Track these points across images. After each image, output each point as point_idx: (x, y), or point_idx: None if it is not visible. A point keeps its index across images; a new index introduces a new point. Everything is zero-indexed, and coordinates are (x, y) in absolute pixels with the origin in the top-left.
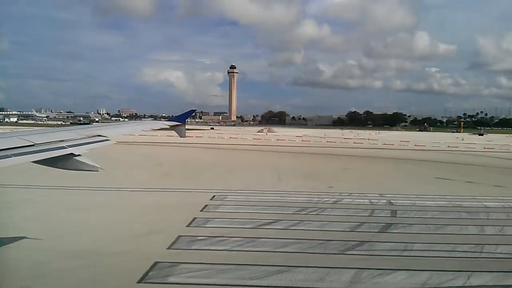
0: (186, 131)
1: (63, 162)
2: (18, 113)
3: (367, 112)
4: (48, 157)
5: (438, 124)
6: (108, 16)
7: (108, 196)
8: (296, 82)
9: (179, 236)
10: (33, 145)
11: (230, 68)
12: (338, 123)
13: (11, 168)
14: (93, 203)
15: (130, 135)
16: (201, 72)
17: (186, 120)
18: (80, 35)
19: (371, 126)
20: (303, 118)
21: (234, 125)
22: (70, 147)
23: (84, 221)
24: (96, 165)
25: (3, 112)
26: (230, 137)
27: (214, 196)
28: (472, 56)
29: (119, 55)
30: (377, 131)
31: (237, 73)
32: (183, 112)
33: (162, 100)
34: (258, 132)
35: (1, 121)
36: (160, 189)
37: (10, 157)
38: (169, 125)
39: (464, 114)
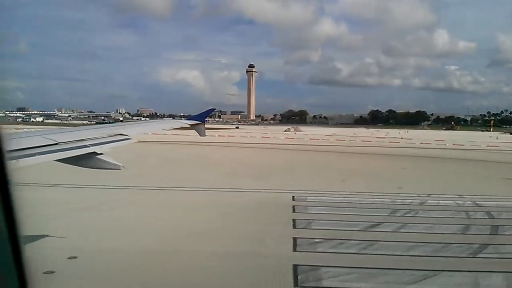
0: (211, 130)
1: (86, 160)
2: (40, 112)
3: (390, 111)
4: (71, 155)
5: (462, 122)
6: (125, 16)
7: (196, 195)
8: (312, 81)
9: (295, 238)
10: (56, 144)
11: (249, 67)
12: (360, 121)
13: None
14: (193, 203)
15: (152, 134)
16: (218, 71)
17: (206, 119)
18: (97, 35)
19: (393, 124)
20: (324, 117)
21: (257, 124)
22: (92, 145)
23: (195, 221)
24: (118, 163)
25: (25, 112)
26: (262, 136)
27: (293, 197)
28: (492, 53)
29: (135, 55)
30: (406, 130)
31: (255, 72)
32: (203, 111)
33: (179, 99)
34: (285, 131)
35: (27, 121)
36: (236, 189)
37: (35, 155)
38: (189, 124)
39: (488, 112)
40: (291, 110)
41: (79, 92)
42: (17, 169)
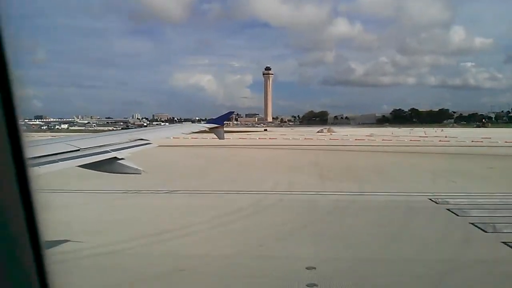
0: (242, 133)
1: (107, 165)
2: (59, 120)
3: (412, 109)
4: (93, 161)
5: (486, 119)
6: (141, 24)
7: (326, 200)
8: (326, 82)
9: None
10: (78, 150)
11: (265, 69)
12: (383, 121)
13: None
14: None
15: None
16: (232, 75)
17: (225, 122)
18: (113, 43)
19: (416, 123)
20: (346, 117)
21: (280, 126)
22: (113, 151)
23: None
24: (139, 168)
25: (43, 120)
26: (305, 138)
27: (430, 199)
28: (509, 49)
29: (150, 61)
30: (440, 128)
31: (272, 74)
32: (221, 115)
33: (194, 103)
34: (318, 132)
35: (53, 128)
36: (357, 193)
37: (57, 162)
38: (208, 128)
39: None
40: (312, 111)
41: (95, 99)
42: (40, 175)
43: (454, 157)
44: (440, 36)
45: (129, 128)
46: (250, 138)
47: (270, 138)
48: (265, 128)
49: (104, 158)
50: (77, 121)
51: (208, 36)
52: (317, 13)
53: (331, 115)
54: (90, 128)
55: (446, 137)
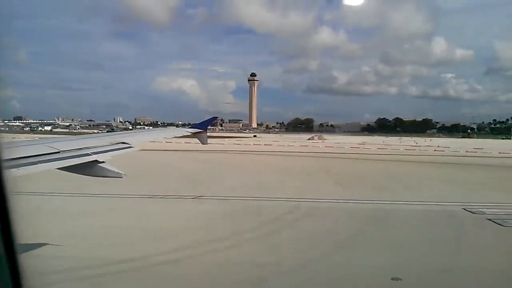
0: (232, 138)
1: (88, 169)
2: (40, 121)
3: (396, 119)
4: (73, 164)
5: (469, 131)
6: (124, 27)
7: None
8: (310, 89)
9: None
10: (58, 152)
11: (251, 75)
12: (367, 129)
13: None
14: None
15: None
16: (215, 80)
17: (209, 128)
18: (95, 45)
19: (400, 132)
20: (331, 125)
21: (268, 133)
22: (94, 154)
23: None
24: (120, 171)
25: (23, 121)
26: (300, 145)
27: (464, 209)
28: (489, 61)
29: (133, 64)
30: (429, 138)
31: (257, 80)
32: (205, 120)
33: (177, 108)
34: (309, 139)
35: (35, 130)
36: (391, 201)
37: (37, 164)
38: (191, 132)
39: (494, 120)
40: (298, 118)
41: (76, 101)
42: (18, 177)
43: (458, 167)
44: (422, 47)
45: (114, 131)
46: (245, 144)
47: (264, 144)
48: (254, 134)
49: (85, 161)
50: (58, 123)
51: (192, 41)
52: (302, 21)
53: (317, 122)
54: (74, 131)
55: (438, 146)
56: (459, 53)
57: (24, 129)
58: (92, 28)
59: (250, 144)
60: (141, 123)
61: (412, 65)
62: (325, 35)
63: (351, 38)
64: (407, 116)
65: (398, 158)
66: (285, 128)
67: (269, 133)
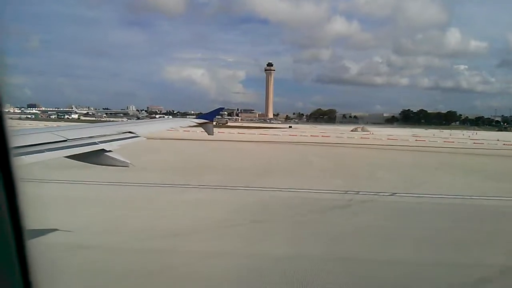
0: (276, 129)
1: (95, 157)
2: (56, 109)
3: (421, 110)
4: (80, 152)
5: (494, 123)
6: (137, 15)
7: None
8: (320, 79)
9: None
10: (65, 141)
11: (267, 65)
12: (392, 121)
13: None
14: None
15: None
16: (226, 69)
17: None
18: (107, 33)
19: (425, 124)
20: (354, 116)
21: (297, 123)
22: (101, 143)
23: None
24: (126, 161)
25: (39, 109)
26: (361, 137)
27: None
28: (503, 53)
29: (147, 53)
30: (475, 131)
31: (274, 70)
32: (212, 110)
33: (187, 97)
34: (352, 131)
35: (62, 118)
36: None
37: (44, 152)
38: (197, 123)
39: None
40: (320, 109)
41: (86, 88)
42: (26, 165)
43: None
44: (436, 37)
45: (140, 119)
46: (301, 135)
47: (322, 136)
48: (290, 125)
49: (92, 150)
50: (75, 111)
51: (203, 30)
52: (316, 10)
53: (339, 113)
54: (102, 119)
55: (498, 140)
56: (473, 44)
57: (51, 116)
58: (105, 15)
59: (307, 136)
60: (158, 112)
61: (425, 55)
62: (337, 25)
63: (364, 28)
64: (417, 108)
65: (485, 152)
66: (306, 119)
67: (297, 123)
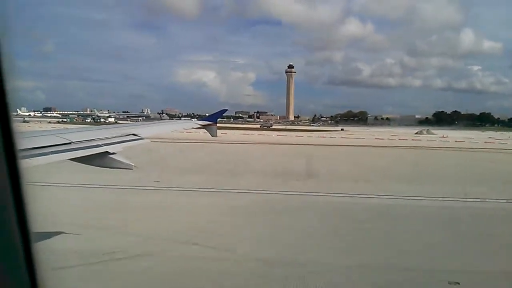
0: (333, 132)
1: (99, 160)
2: (76, 112)
3: (455, 112)
4: (84, 155)
5: None
6: (151, 18)
7: None
8: (332, 82)
9: None
10: (70, 143)
11: (288, 67)
12: (425, 123)
13: None
14: None
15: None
16: (237, 72)
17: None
18: (121, 36)
19: (458, 126)
20: (387, 118)
21: (319, 126)
22: (105, 145)
23: None
24: (130, 163)
25: (57, 112)
26: (455, 141)
27: None
28: None
29: (160, 56)
30: None
31: (295, 72)
32: (215, 112)
33: (198, 100)
34: (416, 133)
35: (98, 121)
36: None
37: (48, 154)
38: (200, 125)
39: None
40: (350, 111)
41: (101, 92)
42: (31, 168)
43: None
44: (450, 38)
45: (163, 120)
46: (368, 138)
47: (388, 139)
48: (342, 128)
49: (96, 152)
50: (97, 115)
51: (215, 32)
52: (330, 12)
53: (371, 115)
54: (138, 122)
55: None
56: (487, 45)
57: (86, 120)
58: (118, 18)
59: (372, 138)
60: (176, 115)
61: (438, 57)
62: (351, 26)
63: (378, 29)
64: (430, 109)
65: None
66: (336, 121)
67: (338, 125)
